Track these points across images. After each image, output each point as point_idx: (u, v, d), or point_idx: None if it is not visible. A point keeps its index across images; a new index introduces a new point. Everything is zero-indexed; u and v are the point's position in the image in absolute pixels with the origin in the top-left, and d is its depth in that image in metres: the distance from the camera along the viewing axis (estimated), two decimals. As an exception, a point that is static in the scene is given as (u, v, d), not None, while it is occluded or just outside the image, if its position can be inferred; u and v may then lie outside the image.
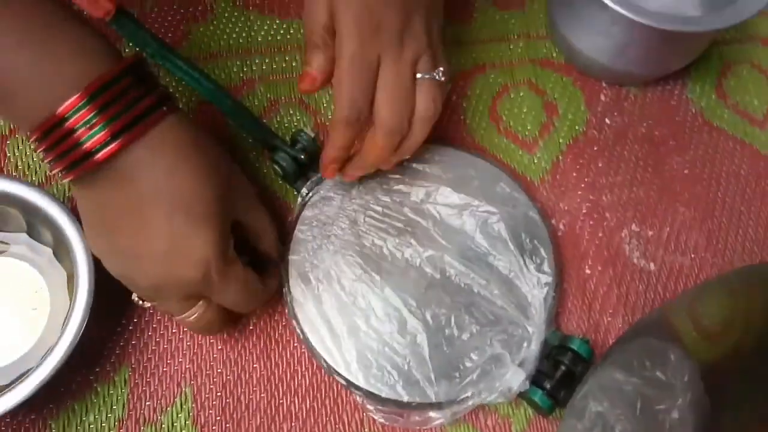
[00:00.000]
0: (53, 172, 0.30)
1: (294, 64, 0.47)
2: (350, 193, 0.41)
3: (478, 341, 0.38)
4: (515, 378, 0.37)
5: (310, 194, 0.41)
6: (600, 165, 0.45)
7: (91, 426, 0.37)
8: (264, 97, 0.46)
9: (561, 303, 0.41)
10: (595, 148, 0.46)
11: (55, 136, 0.29)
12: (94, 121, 0.28)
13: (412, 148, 0.37)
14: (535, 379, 0.37)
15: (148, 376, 0.38)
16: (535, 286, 0.39)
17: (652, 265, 0.42)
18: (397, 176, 0.42)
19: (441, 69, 0.36)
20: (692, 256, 0.43)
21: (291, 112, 0.46)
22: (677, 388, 0.31)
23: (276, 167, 0.42)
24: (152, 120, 0.30)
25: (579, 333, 0.40)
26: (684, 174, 0.45)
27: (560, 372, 0.37)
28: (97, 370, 0.38)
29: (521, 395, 0.37)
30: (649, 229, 0.43)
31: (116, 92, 0.29)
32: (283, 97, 0.46)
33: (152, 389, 0.38)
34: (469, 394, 0.37)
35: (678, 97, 0.48)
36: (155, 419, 0.38)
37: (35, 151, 0.35)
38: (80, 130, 0.28)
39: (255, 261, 0.37)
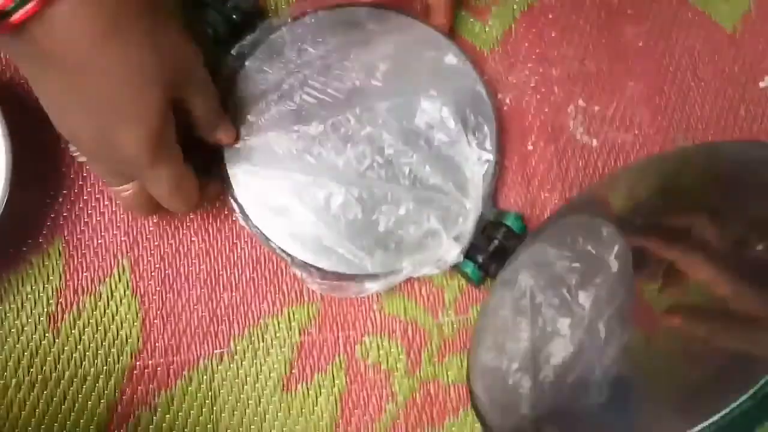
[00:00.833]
0: None
1: None
2: (287, 66, 0.38)
3: (416, 216, 0.38)
4: (450, 251, 0.38)
5: (243, 61, 0.39)
6: (553, 35, 0.43)
7: (29, 295, 0.37)
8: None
9: (500, 179, 0.41)
10: (550, 16, 0.43)
11: None
12: None
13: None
14: (469, 253, 0.38)
15: (83, 248, 0.38)
16: (476, 162, 0.39)
17: (594, 141, 0.42)
18: (337, 48, 0.39)
19: None
20: (636, 132, 0.43)
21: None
22: (606, 262, 0.32)
23: (207, 29, 0.38)
24: None
25: (515, 209, 0.41)
26: (638, 47, 0.44)
27: (493, 246, 0.38)
28: (29, 241, 0.38)
29: (455, 267, 0.38)
30: (595, 104, 0.43)
31: None
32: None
33: (89, 260, 0.38)
34: (404, 264, 0.38)
35: (643, -39, 0.45)
36: (94, 289, 0.38)
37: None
38: None
39: (199, 158, 0.35)
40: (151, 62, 0.28)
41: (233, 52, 0.38)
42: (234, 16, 0.37)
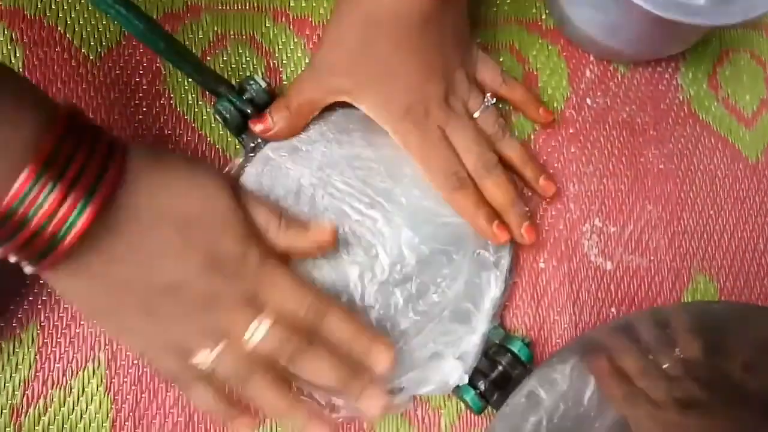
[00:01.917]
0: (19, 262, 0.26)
1: (248, -6, 0.41)
2: (309, 163, 0.36)
3: (420, 331, 0.36)
4: (453, 371, 0.35)
5: (256, 150, 0.37)
6: (573, 150, 0.42)
7: (-8, 384, 0.35)
8: (210, 30, 0.40)
9: (509, 296, 0.39)
10: (571, 131, 0.42)
11: (8, 229, 0.24)
12: (49, 200, 0.24)
13: (518, 159, 0.39)
14: (471, 377, 0.36)
15: (59, 336, 0.36)
16: (490, 282, 0.37)
17: (609, 263, 0.40)
18: (361, 150, 0.37)
19: (487, 95, 0.39)
20: (651, 257, 0.41)
21: (240, 51, 0.40)
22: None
23: (218, 117, 0.37)
24: (113, 173, 0.26)
25: (523, 329, 0.39)
26: (659, 169, 0.42)
27: (497, 372, 0.36)
28: (1, 325, 0.35)
29: (454, 390, 0.36)
30: (612, 225, 0.41)
31: (64, 157, 0.24)
32: (231, 32, 0.40)
33: (62, 351, 0.35)
34: (403, 383, 0.35)
35: (668, 82, 0.44)
36: (65, 383, 0.35)
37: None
38: (36, 216, 0.24)
39: None
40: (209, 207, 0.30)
41: (245, 144, 0.37)
42: (249, 110, 0.36)
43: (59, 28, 0.39)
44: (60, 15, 0.39)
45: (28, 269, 0.26)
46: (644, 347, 0.33)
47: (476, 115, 0.38)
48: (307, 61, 0.41)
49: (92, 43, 0.39)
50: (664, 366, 0.32)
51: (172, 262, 0.28)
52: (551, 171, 0.41)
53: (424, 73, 0.36)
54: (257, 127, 0.36)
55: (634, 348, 0.33)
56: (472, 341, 0.36)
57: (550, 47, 0.43)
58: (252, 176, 0.36)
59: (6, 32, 0.38)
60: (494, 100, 0.39)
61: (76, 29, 0.39)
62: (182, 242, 0.28)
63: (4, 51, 0.38)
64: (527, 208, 0.38)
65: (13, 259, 0.25)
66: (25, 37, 0.38)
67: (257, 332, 0.29)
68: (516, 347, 0.36)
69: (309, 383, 0.31)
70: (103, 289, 0.28)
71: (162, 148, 0.37)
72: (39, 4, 0.39)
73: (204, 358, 0.29)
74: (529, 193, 0.41)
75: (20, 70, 0.38)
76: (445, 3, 0.35)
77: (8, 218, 0.24)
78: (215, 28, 0.40)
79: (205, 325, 0.29)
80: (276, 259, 0.31)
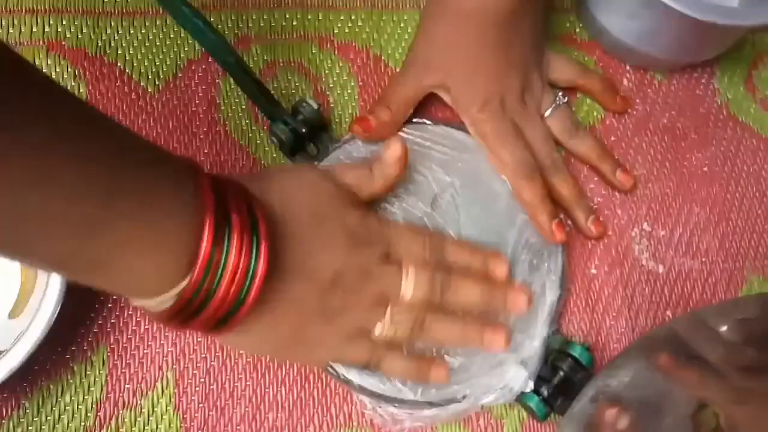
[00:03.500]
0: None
1: (294, 24, 0.43)
2: None
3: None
4: (517, 377, 0.35)
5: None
6: (616, 157, 0.42)
7: (67, 407, 0.36)
8: (260, 59, 0.42)
9: (564, 303, 0.39)
10: (613, 139, 0.43)
11: (189, 311, 0.24)
12: (231, 255, 0.24)
13: (594, 153, 0.41)
14: (533, 384, 0.36)
15: (128, 357, 0.36)
16: (544, 288, 0.37)
17: (660, 267, 0.41)
18: (410, 164, 0.38)
19: (559, 94, 0.41)
20: (703, 259, 0.41)
21: (289, 77, 0.42)
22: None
23: (273, 138, 0.38)
24: (264, 229, 0.25)
25: (580, 335, 0.39)
26: (703, 171, 0.43)
27: (558, 378, 0.36)
28: (73, 349, 0.36)
29: (517, 398, 0.36)
30: (661, 228, 0.41)
31: (223, 209, 0.24)
32: (280, 60, 0.42)
33: (132, 371, 0.36)
34: (467, 393, 0.35)
35: (705, 87, 0.45)
36: (135, 403, 0.36)
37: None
38: (225, 273, 0.24)
39: None
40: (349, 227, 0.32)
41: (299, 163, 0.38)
42: (303, 130, 0.37)
43: (119, 64, 0.41)
44: (119, 51, 0.41)
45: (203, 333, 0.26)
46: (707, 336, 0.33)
47: (547, 114, 0.40)
48: (352, 83, 0.42)
49: (150, 77, 0.41)
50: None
51: (326, 255, 0.30)
52: (595, 178, 0.42)
53: (504, 68, 0.38)
54: (358, 128, 0.38)
55: (701, 335, 0.33)
56: (533, 347, 0.36)
57: (586, 58, 0.44)
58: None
59: (70, 69, 0.40)
60: (566, 99, 0.41)
61: (135, 64, 0.41)
62: (322, 234, 0.30)
63: (70, 87, 0.40)
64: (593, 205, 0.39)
65: (182, 329, 0.26)
66: (87, 73, 0.41)
67: (408, 284, 0.32)
68: (576, 352, 0.36)
69: (461, 307, 0.34)
70: (282, 326, 0.29)
71: (254, 172, 0.40)
72: (99, 42, 0.41)
73: (381, 329, 0.32)
74: (577, 201, 0.41)
75: (84, 105, 0.40)
76: (525, 6, 0.37)
77: (201, 286, 0.23)
78: (265, 57, 0.42)
79: (370, 299, 0.31)
80: (381, 214, 0.35)
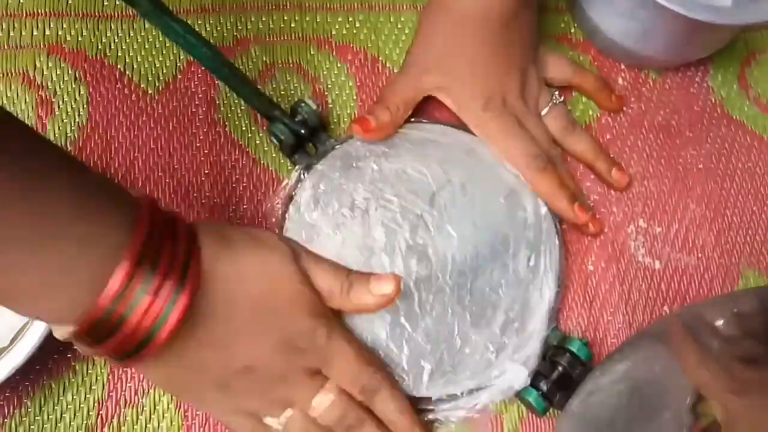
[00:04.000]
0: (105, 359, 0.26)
1: (292, 25, 0.43)
2: (362, 178, 0.38)
3: (479, 336, 0.36)
4: (517, 375, 0.36)
5: (307, 170, 0.39)
6: (611, 155, 0.43)
7: (69, 406, 0.36)
8: (259, 60, 0.43)
9: (562, 299, 0.39)
10: (608, 137, 0.43)
11: (103, 330, 0.24)
12: (144, 296, 0.24)
13: (589, 152, 0.41)
14: (532, 379, 0.36)
15: (130, 356, 0.37)
16: (542, 285, 0.38)
17: (657, 263, 0.41)
18: (409, 163, 0.39)
19: (555, 93, 0.41)
20: (699, 255, 0.41)
21: (288, 78, 0.42)
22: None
23: (273, 139, 0.39)
24: (196, 261, 0.26)
25: (578, 331, 0.39)
26: (698, 168, 0.43)
27: (557, 373, 0.36)
28: (75, 347, 0.36)
29: (516, 394, 0.36)
30: (657, 225, 0.42)
31: (154, 251, 0.24)
32: (279, 62, 0.43)
33: (133, 370, 0.36)
34: (466, 391, 0.36)
35: (699, 85, 0.45)
36: (137, 401, 0.36)
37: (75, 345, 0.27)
38: (133, 313, 0.24)
39: None
40: (290, 270, 0.31)
41: (299, 162, 0.39)
42: (302, 131, 0.38)
43: (119, 66, 0.41)
44: (119, 54, 0.42)
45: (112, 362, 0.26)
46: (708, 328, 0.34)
47: (544, 112, 0.41)
48: (350, 84, 0.43)
49: (150, 79, 0.41)
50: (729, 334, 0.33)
51: (247, 347, 0.29)
52: (591, 176, 0.42)
53: (503, 68, 0.39)
54: (358, 128, 0.38)
55: (699, 329, 0.33)
56: (531, 344, 0.36)
57: (581, 57, 0.45)
58: (308, 191, 0.38)
59: (71, 72, 0.41)
60: (562, 98, 0.41)
61: (135, 66, 0.42)
62: (256, 328, 0.29)
63: (70, 89, 0.40)
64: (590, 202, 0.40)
65: (97, 356, 0.26)
66: (88, 75, 0.41)
67: (320, 405, 0.31)
68: (575, 347, 0.36)
69: None
70: (181, 371, 0.29)
71: (224, 224, 0.37)
72: (99, 44, 0.42)
73: (273, 423, 0.31)
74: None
75: (85, 106, 0.40)
76: (523, 6, 0.38)
77: (105, 320, 0.23)
78: (264, 59, 0.42)
79: (275, 397, 0.31)
80: (341, 330, 0.32)
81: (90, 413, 0.36)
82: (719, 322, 0.35)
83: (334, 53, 0.43)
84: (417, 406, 0.35)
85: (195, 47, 0.34)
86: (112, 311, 0.23)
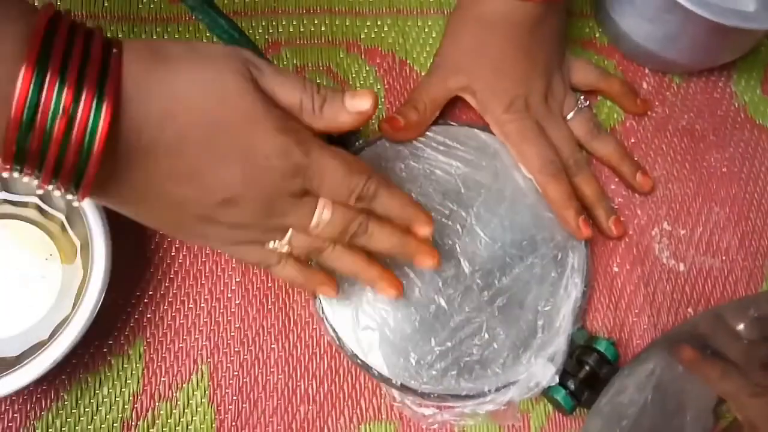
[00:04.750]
0: (54, 191, 0.24)
1: (323, 29, 0.44)
2: (390, 178, 0.39)
3: (507, 335, 0.37)
4: (545, 373, 0.36)
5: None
6: (636, 158, 0.43)
7: (105, 399, 0.36)
8: (290, 63, 0.43)
9: (588, 300, 0.40)
10: (633, 140, 0.44)
11: (34, 148, 0.22)
12: (62, 101, 0.22)
13: (614, 155, 0.42)
14: (560, 378, 0.36)
15: (164, 351, 0.37)
16: (568, 284, 0.38)
17: (681, 265, 0.42)
18: (436, 165, 0.40)
19: (581, 98, 0.42)
20: (723, 257, 0.42)
21: (318, 80, 0.43)
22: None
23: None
24: (116, 68, 0.23)
25: (604, 332, 0.40)
26: (722, 172, 0.44)
27: (584, 372, 0.36)
28: (111, 342, 0.37)
29: (543, 392, 0.37)
30: (681, 228, 0.42)
31: (60, 53, 0.22)
32: (310, 64, 0.43)
33: (168, 365, 0.37)
34: (494, 387, 0.36)
35: (722, 90, 0.46)
36: (170, 395, 0.37)
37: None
38: (56, 127, 0.22)
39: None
40: (233, 72, 0.27)
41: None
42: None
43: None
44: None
45: (76, 200, 0.24)
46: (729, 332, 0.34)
47: (569, 116, 0.41)
48: (378, 86, 0.44)
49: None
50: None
51: (214, 177, 0.26)
52: (616, 179, 0.43)
53: (528, 72, 0.39)
54: (388, 127, 0.39)
55: (721, 332, 0.34)
56: (558, 343, 0.37)
57: (606, 62, 0.45)
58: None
59: None
60: (587, 102, 0.42)
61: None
62: (214, 153, 0.26)
63: None
64: (614, 205, 0.40)
65: (57, 192, 0.24)
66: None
67: (320, 224, 0.30)
68: (602, 347, 0.37)
69: (371, 250, 0.33)
70: (164, 209, 0.28)
71: (162, 40, 0.34)
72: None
73: (276, 245, 0.31)
74: (598, 200, 0.42)
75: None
76: (550, 10, 0.39)
77: (28, 130, 0.22)
78: (295, 61, 0.43)
79: (270, 226, 0.30)
80: (319, 144, 0.29)
81: (125, 407, 0.36)
82: (740, 326, 0.36)
83: (363, 56, 0.44)
84: (445, 402, 0.36)
85: (239, 44, 0.35)
86: (33, 124, 0.22)
